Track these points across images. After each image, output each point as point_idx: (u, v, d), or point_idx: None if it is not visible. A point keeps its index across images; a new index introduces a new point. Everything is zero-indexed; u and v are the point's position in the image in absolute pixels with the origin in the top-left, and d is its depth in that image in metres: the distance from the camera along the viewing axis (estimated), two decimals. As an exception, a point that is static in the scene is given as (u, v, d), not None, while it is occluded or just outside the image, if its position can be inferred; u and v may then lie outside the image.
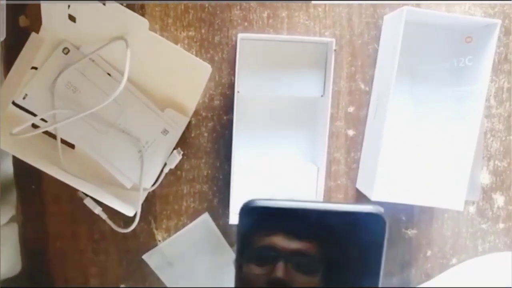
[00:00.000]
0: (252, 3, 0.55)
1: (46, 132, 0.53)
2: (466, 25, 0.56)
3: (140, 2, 0.54)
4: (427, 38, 0.58)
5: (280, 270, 0.28)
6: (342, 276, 0.28)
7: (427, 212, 0.61)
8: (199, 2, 0.55)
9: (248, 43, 0.54)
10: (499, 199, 0.62)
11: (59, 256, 0.58)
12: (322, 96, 0.56)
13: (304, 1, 0.56)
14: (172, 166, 0.56)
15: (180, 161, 0.56)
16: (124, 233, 0.57)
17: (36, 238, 0.57)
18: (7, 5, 0.51)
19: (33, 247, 0.58)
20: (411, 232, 0.61)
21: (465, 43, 0.57)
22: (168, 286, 0.60)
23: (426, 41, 0.58)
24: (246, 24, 0.56)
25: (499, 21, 0.53)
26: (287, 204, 0.27)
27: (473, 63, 0.56)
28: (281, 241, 0.27)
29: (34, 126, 0.52)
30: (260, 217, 0.27)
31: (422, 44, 0.58)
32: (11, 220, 0.58)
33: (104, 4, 0.48)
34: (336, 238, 0.27)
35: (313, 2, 0.56)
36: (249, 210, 0.27)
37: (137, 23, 0.49)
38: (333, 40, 0.54)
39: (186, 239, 0.59)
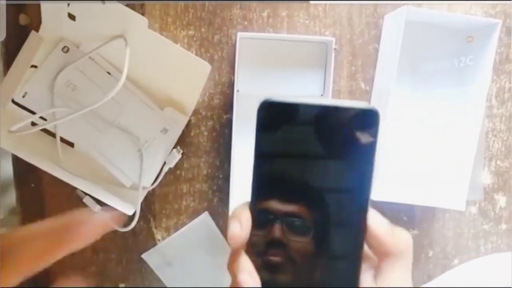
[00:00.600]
0: (253, 2, 0.55)
1: (46, 131, 0.53)
2: (467, 25, 0.56)
3: (139, 2, 0.54)
4: (428, 38, 0.58)
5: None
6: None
7: (429, 212, 0.61)
8: (198, 2, 0.55)
9: (248, 42, 0.54)
10: (501, 200, 0.62)
11: (58, 256, 0.58)
12: (322, 95, 0.55)
13: (303, 1, 0.56)
14: (172, 165, 0.56)
15: (179, 160, 0.56)
16: (123, 232, 0.57)
17: (35, 237, 0.57)
18: (7, 3, 0.52)
19: (32, 246, 0.57)
20: (412, 232, 0.61)
21: (466, 42, 0.57)
22: (167, 285, 0.59)
23: (427, 40, 0.58)
24: (246, 23, 0.56)
25: (499, 21, 0.52)
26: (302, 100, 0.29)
27: (474, 62, 0.56)
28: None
29: (34, 124, 0.52)
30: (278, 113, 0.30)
31: (423, 43, 0.58)
32: (4, 224, 0.58)
33: (103, 3, 0.48)
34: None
35: (311, 2, 0.56)
36: (267, 106, 0.29)
37: (137, 22, 0.49)
38: (333, 39, 0.53)
39: (185, 238, 0.58)
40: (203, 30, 0.55)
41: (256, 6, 0.55)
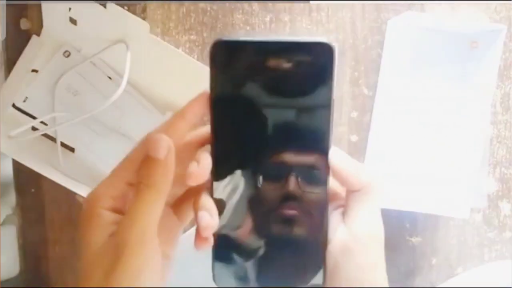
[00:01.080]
0: (255, 7, 0.55)
1: (46, 135, 0.53)
2: (471, 31, 0.55)
3: (138, 2, 0.54)
4: (432, 43, 0.57)
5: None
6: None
7: (432, 220, 0.60)
8: (200, 6, 0.54)
9: (250, 47, 0.54)
10: (506, 207, 0.61)
11: (58, 261, 0.58)
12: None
13: (302, 1, 0.55)
14: (173, 171, 0.55)
15: (180, 165, 0.56)
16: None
17: (35, 242, 0.57)
18: (8, 7, 0.52)
19: (32, 251, 0.57)
20: (415, 239, 0.60)
21: (470, 48, 0.56)
22: (167, 291, 0.59)
23: (430, 46, 0.57)
24: (248, 28, 0.55)
25: (504, 27, 0.52)
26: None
27: (478, 68, 0.55)
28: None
29: (34, 129, 0.52)
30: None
31: (427, 49, 0.57)
32: (5, 222, 0.58)
33: (105, 7, 0.48)
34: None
35: (311, 2, 0.55)
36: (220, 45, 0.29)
37: (138, 27, 0.49)
38: (336, 44, 0.53)
39: (187, 244, 0.58)
40: (205, 35, 0.55)
41: (258, 11, 0.55)
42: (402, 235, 0.60)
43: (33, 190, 0.56)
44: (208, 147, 0.30)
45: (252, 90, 0.29)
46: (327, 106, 0.29)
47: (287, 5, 0.55)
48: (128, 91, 0.53)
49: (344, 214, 0.31)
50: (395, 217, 0.59)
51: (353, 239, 0.30)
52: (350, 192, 0.31)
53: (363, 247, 0.30)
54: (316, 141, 0.30)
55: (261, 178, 0.30)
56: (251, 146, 0.30)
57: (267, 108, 0.30)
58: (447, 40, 0.57)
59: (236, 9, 0.55)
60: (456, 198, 0.55)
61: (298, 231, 0.31)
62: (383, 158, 0.57)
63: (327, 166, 0.30)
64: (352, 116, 0.57)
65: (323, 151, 0.30)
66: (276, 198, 0.31)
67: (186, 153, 0.30)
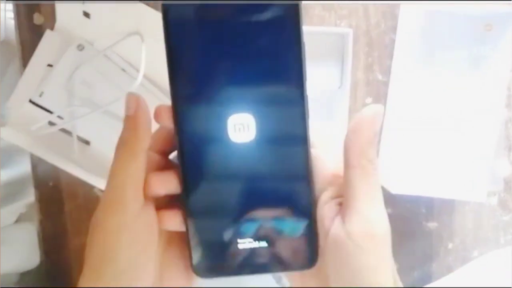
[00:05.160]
0: None
1: (62, 129, 0.53)
2: (485, 13, 0.55)
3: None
4: (445, 27, 0.57)
5: None
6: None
7: (448, 204, 0.60)
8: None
9: (263, 35, 0.54)
10: (521, 190, 0.61)
11: (77, 251, 0.58)
12: (339, 87, 0.55)
13: (292, 2, 0.55)
14: (188, 161, 0.56)
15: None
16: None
17: (55, 235, 0.57)
18: (16, 3, 0.51)
19: (51, 244, 0.58)
20: (431, 225, 0.60)
21: (485, 31, 0.56)
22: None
23: (444, 29, 0.57)
24: (260, 16, 0.55)
25: (520, 8, 0.51)
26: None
27: (493, 51, 0.55)
28: None
29: (50, 123, 0.52)
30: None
31: (440, 32, 0.57)
32: (21, 219, 0.59)
33: (118, -1, 0.48)
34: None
35: (304, 2, 0.55)
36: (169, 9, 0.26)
37: (152, 18, 0.49)
38: (350, 30, 0.53)
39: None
40: (217, 24, 0.55)
41: (270, -2, 0.55)
42: (418, 220, 0.60)
43: (51, 184, 0.56)
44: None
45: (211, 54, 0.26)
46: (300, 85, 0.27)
47: (299, -8, 0.55)
48: (141, 83, 0.53)
49: (341, 203, 0.26)
50: (411, 202, 0.59)
51: (347, 237, 0.24)
52: (349, 168, 0.25)
53: (358, 248, 0.24)
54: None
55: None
56: None
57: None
58: (461, 23, 0.56)
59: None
60: (472, 182, 0.55)
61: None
62: (398, 144, 0.57)
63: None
64: (367, 102, 0.57)
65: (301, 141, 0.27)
66: None
67: None
